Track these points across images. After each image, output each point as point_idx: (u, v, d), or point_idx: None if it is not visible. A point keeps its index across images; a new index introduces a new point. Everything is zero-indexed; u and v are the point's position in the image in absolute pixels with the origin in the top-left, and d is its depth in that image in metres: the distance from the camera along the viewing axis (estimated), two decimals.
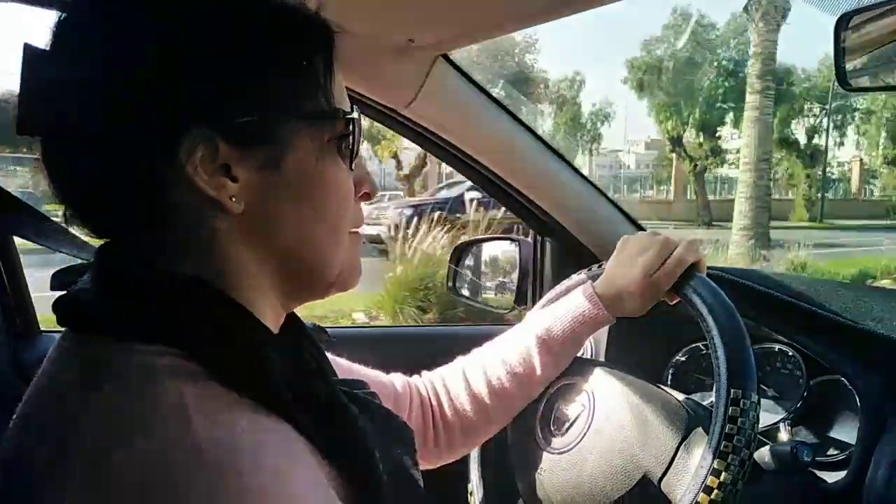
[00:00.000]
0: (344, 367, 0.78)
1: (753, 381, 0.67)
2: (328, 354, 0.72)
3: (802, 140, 25.43)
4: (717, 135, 23.68)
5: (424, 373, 0.92)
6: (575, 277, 0.96)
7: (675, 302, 0.83)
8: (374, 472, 0.51)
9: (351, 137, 0.56)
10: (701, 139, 23.15)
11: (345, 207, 0.57)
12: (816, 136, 26.23)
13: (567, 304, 0.88)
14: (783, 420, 0.97)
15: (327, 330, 0.73)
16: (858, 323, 0.89)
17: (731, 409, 0.66)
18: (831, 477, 0.87)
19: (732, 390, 0.66)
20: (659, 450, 0.74)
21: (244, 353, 0.48)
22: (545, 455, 0.86)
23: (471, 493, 1.04)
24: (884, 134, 28.36)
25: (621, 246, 0.88)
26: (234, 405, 0.45)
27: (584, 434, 0.83)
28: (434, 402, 0.88)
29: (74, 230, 0.54)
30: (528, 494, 0.89)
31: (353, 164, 0.57)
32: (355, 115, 0.56)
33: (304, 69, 0.52)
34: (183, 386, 0.44)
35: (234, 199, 0.49)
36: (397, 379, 0.88)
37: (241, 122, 0.49)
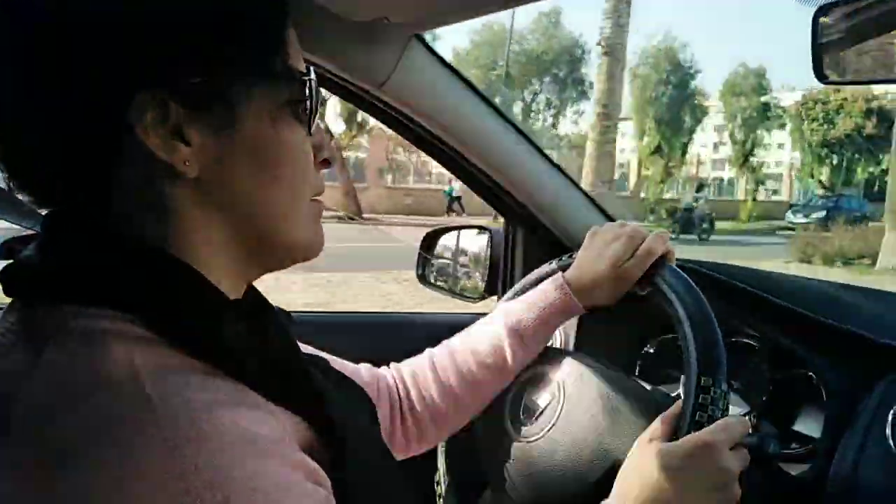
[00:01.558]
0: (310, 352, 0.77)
1: (723, 369, 0.67)
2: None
3: None
4: None
5: (392, 364, 0.91)
6: (545, 268, 0.95)
7: (644, 292, 0.83)
8: (337, 424, 0.51)
9: (309, 101, 0.54)
10: None
11: (304, 174, 0.55)
12: None
13: (537, 294, 0.88)
14: (748, 413, 0.98)
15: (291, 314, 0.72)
16: (826, 318, 0.90)
17: (701, 397, 0.66)
18: (796, 469, 0.88)
19: (703, 378, 0.66)
20: (629, 437, 0.74)
21: (195, 315, 0.47)
22: (515, 444, 0.85)
23: (438, 484, 1.03)
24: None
25: (590, 237, 0.88)
26: (186, 367, 0.43)
27: (554, 423, 0.82)
28: (402, 394, 0.87)
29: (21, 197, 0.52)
30: (497, 484, 0.89)
31: (312, 130, 0.56)
32: (312, 76, 0.54)
33: (258, 27, 0.50)
34: (132, 349, 0.42)
35: (187, 164, 0.48)
36: (364, 368, 0.87)
37: (193, 82, 0.47)
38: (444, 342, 0.91)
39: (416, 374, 0.88)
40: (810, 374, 0.91)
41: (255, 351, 0.48)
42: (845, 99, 29.05)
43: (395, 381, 0.88)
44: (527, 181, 1.21)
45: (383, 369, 0.90)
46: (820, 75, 0.74)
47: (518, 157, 1.17)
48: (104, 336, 0.43)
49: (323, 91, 0.83)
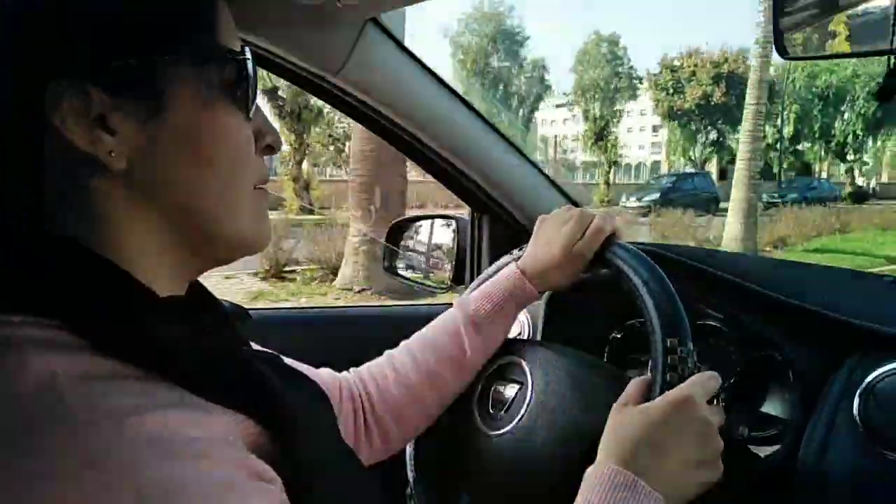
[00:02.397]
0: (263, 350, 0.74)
1: (687, 329, 0.68)
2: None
3: None
4: None
5: (352, 369, 0.89)
6: (503, 260, 0.95)
7: (600, 270, 0.84)
8: (290, 423, 0.48)
9: (246, 83, 0.51)
10: None
11: (243, 161, 0.52)
12: None
13: (492, 283, 0.88)
14: (717, 396, 0.97)
15: (248, 310, 0.70)
16: (793, 299, 0.89)
17: (669, 357, 0.66)
18: (765, 451, 0.88)
19: (669, 340, 0.67)
20: (602, 411, 0.72)
21: (122, 318, 0.44)
22: (489, 439, 0.83)
23: (409, 488, 1.00)
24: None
25: (540, 223, 0.88)
26: (115, 373, 0.41)
27: (527, 410, 0.81)
28: (363, 397, 0.85)
29: None
30: (475, 482, 0.86)
31: (251, 113, 0.53)
32: (247, 56, 0.51)
33: (185, 6, 0.47)
34: (53, 359, 0.39)
35: (113, 155, 0.45)
36: (325, 373, 0.85)
37: (114, 66, 0.44)
38: (403, 342, 0.90)
39: (376, 375, 0.86)
40: (778, 355, 0.90)
41: (191, 351, 0.45)
42: (696, 64, 27.48)
43: (356, 387, 0.86)
44: (492, 169, 1.19)
45: (344, 374, 0.87)
46: (781, 50, 0.73)
47: (481, 143, 1.15)
48: (22, 345, 0.40)
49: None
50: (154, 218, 0.48)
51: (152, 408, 0.40)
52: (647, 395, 0.67)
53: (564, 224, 0.84)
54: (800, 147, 32.24)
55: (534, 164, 1.22)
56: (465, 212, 1.38)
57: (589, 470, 0.63)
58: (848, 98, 28.48)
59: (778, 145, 28.88)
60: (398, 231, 1.48)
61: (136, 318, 0.44)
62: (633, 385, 0.69)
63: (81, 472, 0.36)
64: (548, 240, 0.85)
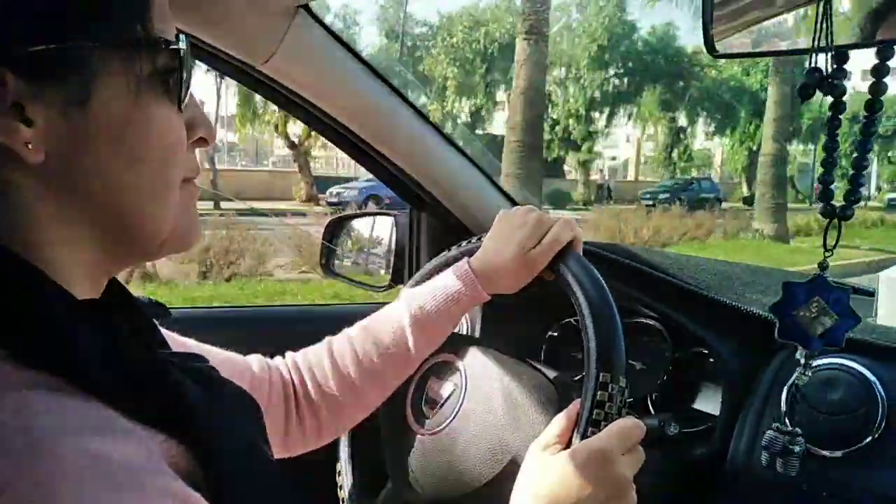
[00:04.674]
0: (191, 346, 0.71)
1: (622, 365, 0.66)
2: (173, 334, 0.66)
3: None
4: None
5: (288, 353, 0.86)
6: (450, 253, 0.92)
7: (551, 279, 0.81)
8: (211, 441, 0.45)
9: (178, 73, 0.48)
10: None
11: (174, 155, 0.49)
12: None
13: (441, 281, 0.84)
14: (649, 393, 0.98)
15: (167, 306, 0.65)
16: (720, 296, 0.90)
17: (599, 393, 0.64)
18: (697, 448, 0.88)
19: (602, 374, 0.65)
20: (528, 433, 0.72)
21: (38, 324, 0.40)
22: (417, 437, 0.83)
23: (340, 484, 0.98)
24: None
25: (498, 222, 0.85)
26: (29, 385, 0.37)
27: (455, 415, 0.80)
28: (298, 385, 0.82)
29: None
30: (398, 479, 0.85)
31: (184, 105, 0.49)
32: (182, 45, 0.48)
33: None
34: None
35: (30, 147, 0.41)
36: (254, 360, 0.81)
37: (32, 51, 0.40)
38: (344, 330, 0.86)
39: (313, 363, 0.83)
40: (708, 353, 0.91)
41: (108, 362, 0.42)
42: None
43: (289, 372, 0.83)
44: (429, 164, 1.16)
45: (277, 359, 0.84)
46: (710, 48, 0.73)
47: (418, 138, 1.12)
48: None
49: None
50: (74, 214, 0.45)
51: (70, 428, 0.37)
52: (570, 432, 0.66)
53: (521, 227, 0.81)
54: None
55: (473, 162, 1.20)
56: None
57: None
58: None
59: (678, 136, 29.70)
60: (335, 228, 1.45)
61: (52, 322, 0.41)
62: (557, 422, 0.67)
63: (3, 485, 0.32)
64: (503, 240, 0.82)
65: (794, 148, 31.88)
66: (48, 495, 0.33)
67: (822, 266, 0.69)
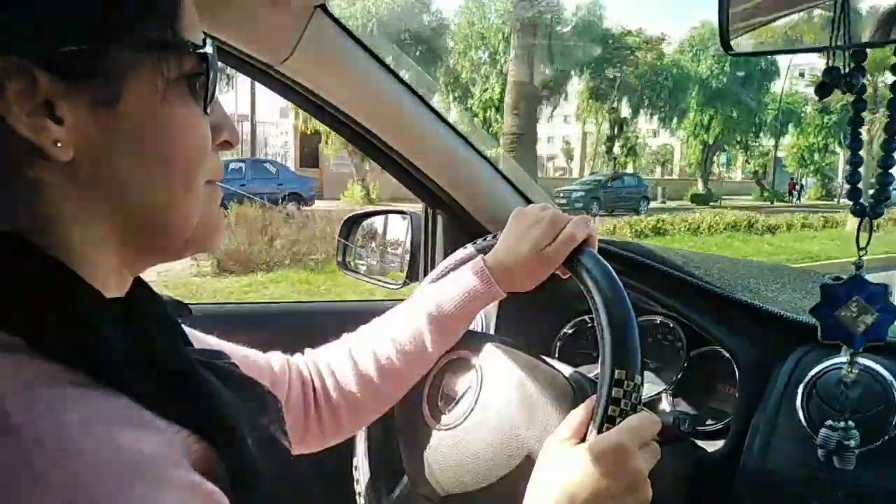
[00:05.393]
0: (213, 344, 0.72)
1: (637, 362, 0.66)
2: (195, 332, 0.66)
3: None
4: None
5: (307, 351, 0.87)
6: (464, 250, 0.92)
7: (566, 277, 0.81)
8: (234, 436, 0.46)
9: (206, 76, 0.49)
10: None
11: (199, 157, 0.50)
12: None
13: (458, 279, 0.85)
14: (664, 391, 0.98)
15: (189, 305, 0.67)
16: (735, 294, 0.90)
17: (614, 390, 0.65)
18: (710, 446, 0.88)
19: (617, 371, 0.65)
20: (543, 430, 0.72)
21: (68, 320, 0.41)
22: (433, 432, 0.83)
23: (356, 479, 0.99)
24: None
25: (513, 220, 0.85)
26: (57, 379, 0.38)
27: (471, 411, 0.80)
28: (317, 383, 0.83)
29: None
30: (415, 474, 0.86)
31: (209, 108, 0.50)
32: (209, 49, 0.49)
33: None
34: None
35: (59, 145, 0.42)
36: (275, 358, 0.82)
37: (65, 50, 0.41)
38: (362, 328, 0.88)
39: (332, 362, 0.85)
40: (723, 350, 0.91)
41: (135, 358, 0.43)
42: None
43: (308, 371, 0.84)
44: (444, 162, 1.17)
45: (297, 357, 0.85)
46: (725, 46, 0.73)
47: (434, 136, 1.13)
48: None
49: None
50: (101, 213, 0.46)
51: (99, 421, 0.38)
52: (586, 427, 0.66)
53: (536, 225, 0.81)
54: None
55: (488, 160, 1.20)
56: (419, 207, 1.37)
57: None
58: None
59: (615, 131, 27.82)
60: (352, 226, 1.46)
61: (82, 320, 0.42)
62: (573, 417, 0.68)
63: (26, 492, 0.33)
64: (517, 238, 0.82)
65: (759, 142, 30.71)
66: (80, 488, 0.34)
67: (858, 265, 0.69)
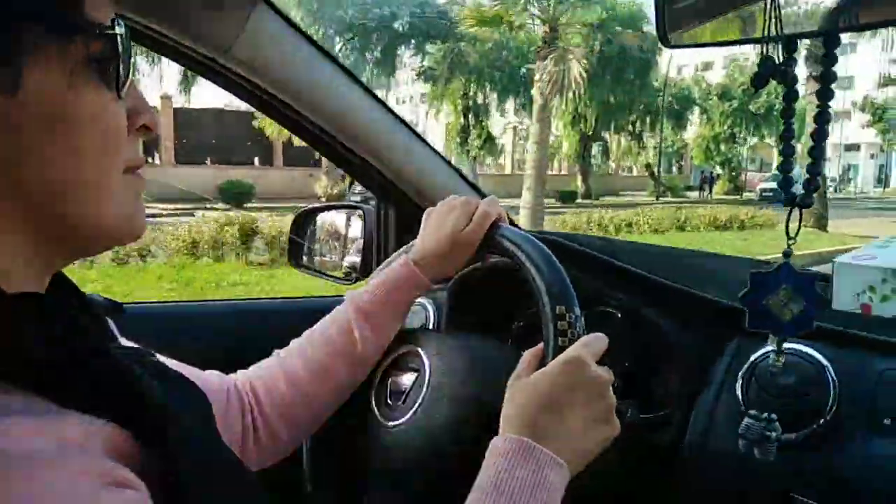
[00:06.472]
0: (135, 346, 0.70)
1: (573, 296, 0.71)
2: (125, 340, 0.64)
3: None
4: None
5: (241, 371, 0.85)
6: (400, 250, 0.93)
7: (486, 252, 0.86)
8: (161, 427, 0.45)
9: (117, 59, 0.47)
10: None
11: (113, 144, 0.48)
12: None
13: (383, 274, 0.87)
14: (611, 382, 0.98)
15: (121, 303, 0.65)
16: (675, 283, 0.91)
17: (558, 323, 0.69)
18: (656, 435, 0.89)
19: (557, 307, 0.70)
20: (501, 385, 0.72)
21: None
22: (386, 431, 0.82)
23: (308, 495, 0.97)
24: None
25: (427, 214, 0.90)
26: None
27: (424, 396, 0.80)
28: (251, 398, 0.82)
29: None
30: (376, 477, 0.84)
31: (123, 92, 0.48)
32: (119, 30, 0.47)
33: None
34: None
35: None
36: (214, 377, 0.81)
37: None
38: (294, 339, 0.87)
39: (264, 374, 0.84)
40: (667, 340, 0.92)
41: (44, 352, 0.41)
42: None
43: (243, 386, 0.82)
44: (394, 156, 1.16)
45: (232, 375, 0.84)
46: (664, 40, 0.73)
47: (382, 129, 1.12)
48: None
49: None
50: (7, 206, 0.44)
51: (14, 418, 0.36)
52: (540, 363, 0.69)
53: (451, 212, 0.85)
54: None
55: (437, 152, 1.20)
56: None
57: (491, 442, 0.64)
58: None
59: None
60: (303, 221, 1.44)
61: None
62: (527, 355, 0.71)
63: None
64: (435, 228, 0.86)
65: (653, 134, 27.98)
66: None
67: (787, 254, 0.70)
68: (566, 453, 0.62)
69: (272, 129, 19.23)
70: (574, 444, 0.64)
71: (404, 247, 0.92)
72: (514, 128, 31.37)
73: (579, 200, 24.64)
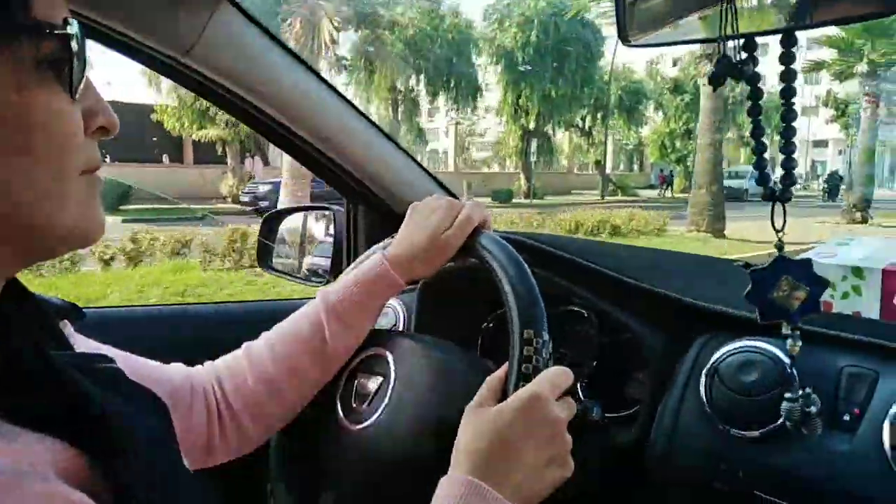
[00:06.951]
0: (103, 351, 0.67)
1: (543, 321, 0.69)
2: (88, 339, 0.64)
3: None
4: None
5: (207, 363, 0.84)
6: (373, 248, 0.92)
7: (464, 258, 0.84)
8: (111, 443, 0.43)
9: (70, 60, 0.45)
10: None
11: (68, 147, 0.46)
12: None
13: (356, 272, 0.85)
14: (579, 381, 0.99)
15: (80, 307, 0.63)
16: (642, 282, 0.91)
17: (525, 349, 0.67)
18: (622, 434, 0.89)
19: (525, 331, 0.68)
20: (465, 401, 0.72)
21: None
22: (350, 434, 0.81)
23: (270, 493, 0.96)
24: None
25: (410, 212, 0.87)
26: None
27: (388, 404, 0.79)
28: (217, 392, 0.80)
29: None
30: (336, 478, 0.83)
31: (78, 93, 0.47)
32: (71, 30, 0.45)
33: None
34: None
35: None
36: (175, 370, 0.80)
37: None
38: (264, 333, 0.86)
39: (232, 367, 0.82)
40: (633, 339, 0.93)
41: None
42: None
43: (210, 381, 0.81)
44: (363, 157, 1.16)
45: (197, 368, 0.82)
46: (624, 38, 0.74)
47: (349, 129, 1.11)
48: None
49: None
50: None
51: None
52: (502, 390, 0.68)
53: (433, 213, 0.83)
54: None
55: (406, 153, 1.20)
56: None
57: (442, 480, 0.63)
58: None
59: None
60: (272, 223, 1.42)
61: None
62: (488, 383, 0.69)
63: None
64: (416, 228, 0.84)
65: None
66: None
67: (779, 247, 0.72)
68: (517, 497, 0.61)
69: (173, 124, 19.06)
70: (526, 486, 0.63)
71: (380, 243, 0.90)
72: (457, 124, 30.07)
73: (516, 200, 23.18)
